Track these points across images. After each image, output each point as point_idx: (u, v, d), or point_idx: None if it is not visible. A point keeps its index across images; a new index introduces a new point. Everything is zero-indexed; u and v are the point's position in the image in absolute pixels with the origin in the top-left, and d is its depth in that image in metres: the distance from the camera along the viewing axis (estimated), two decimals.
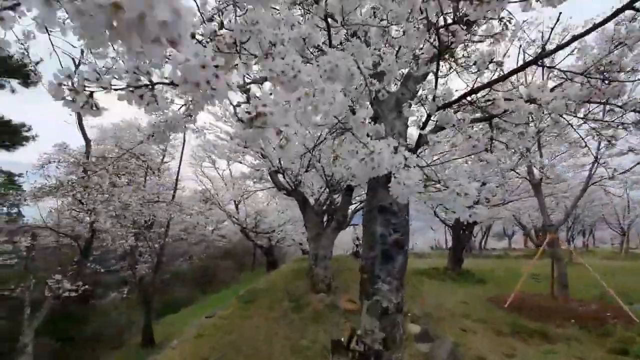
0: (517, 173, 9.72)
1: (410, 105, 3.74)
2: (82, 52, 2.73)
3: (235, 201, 20.74)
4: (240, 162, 9.98)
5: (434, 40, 2.29)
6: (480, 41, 3.17)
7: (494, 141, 5.18)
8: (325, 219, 13.31)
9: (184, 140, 13.91)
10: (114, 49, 1.78)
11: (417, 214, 27.09)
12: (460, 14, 2.25)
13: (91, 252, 9.73)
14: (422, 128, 2.80)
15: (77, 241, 8.90)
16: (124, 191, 9.30)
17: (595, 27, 2.02)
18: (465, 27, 2.29)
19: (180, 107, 1.66)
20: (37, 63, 13.42)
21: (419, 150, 3.25)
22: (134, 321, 14.27)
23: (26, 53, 2.99)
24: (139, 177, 18.29)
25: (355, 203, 10.08)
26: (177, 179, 13.09)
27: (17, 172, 16.09)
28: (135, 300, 14.31)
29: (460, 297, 9.34)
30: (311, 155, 8.22)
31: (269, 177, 10.46)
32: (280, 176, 10.53)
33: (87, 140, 9.77)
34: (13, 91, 14.10)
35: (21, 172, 15.76)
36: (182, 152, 13.26)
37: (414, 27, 2.26)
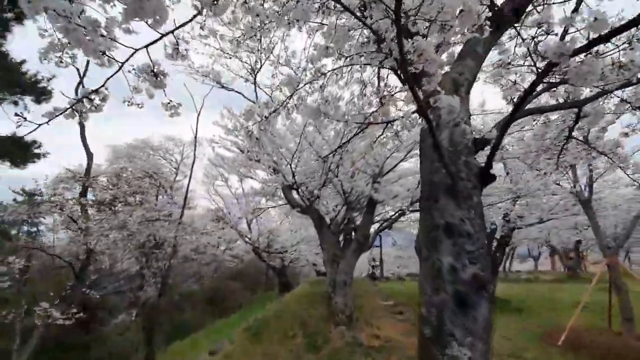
0: (561, 186, 8.48)
1: (469, 91, 2.74)
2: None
3: (247, 220, 19.82)
4: (252, 178, 9.07)
5: None
6: None
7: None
8: (341, 238, 12.20)
9: (194, 157, 13.18)
10: None
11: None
12: None
13: (88, 275, 8.81)
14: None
15: (71, 264, 8.01)
16: (122, 210, 8.44)
17: None
18: None
19: None
20: (49, 79, 12.86)
21: None
22: (138, 348, 13.19)
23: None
24: (150, 196, 17.66)
25: (378, 222, 8.98)
26: (185, 197, 12.23)
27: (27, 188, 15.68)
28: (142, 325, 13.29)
29: (502, 331, 7.95)
30: (328, 169, 7.24)
31: (281, 194, 9.49)
32: (294, 192, 9.56)
33: (89, 154, 9.05)
34: (26, 108, 13.77)
35: (34, 190, 15.31)
36: (191, 168, 12.46)
37: None
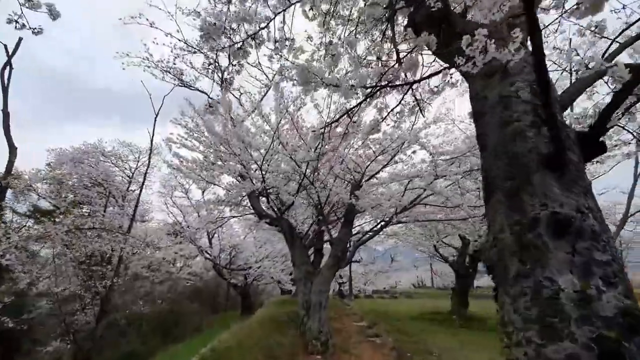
0: None
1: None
2: None
3: (208, 234, 18.29)
4: (215, 184, 7.90)
5: None
6: None
7: None
8: (311, 253, 11.21)
9: (149, 162, 11.74)
10: None
11: (404, 250, 25.27)
12: None
13: None
14: None
15: None
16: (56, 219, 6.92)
17: None
18: None
19: None
20: None
21: None
22: None
23: None
24: (99, 207, 15.67)
25: (356, 234, 8.11)
26: (136, 206, 10.76)
27: None
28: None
29: (486, 355, 7.27)
30: (304, 174, 6.34)
31: (247, 203, 8.40)
32: (262, 201, 8.51)
33: (12, 147, 7.47)
34: None
35: None
36: (145, 175, 11.02)
37: None
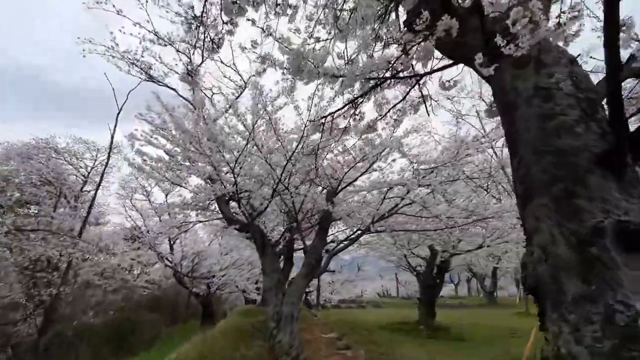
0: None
1: None
2: None
3: (170, 240, 17.29)
4: (181, 185, 7.34)
5: None
6: None
7: None
8: (281, 261, 10.80)
9: (107, 162, 10.87)
10: None
11: (371, 259, 25.36)
12: None
13: None
14: None
15: None
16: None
17: None
18: None
19: None
20: None
21: None
22: None
23: None
24: (48, 207, 14.28)
25: (331, 242, 7.84)
26: (90, 206, 9.85)
27: None
28: None
29: None
30: (279, 179, 6.02)
31: (216, 207, 7.90)
32: (232, 206, 8.06)
33: None
34: None
35: None
36: (102, 176, 10.15)
37: None
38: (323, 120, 2.81)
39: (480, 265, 21.18)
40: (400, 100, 2.12)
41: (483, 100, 8.00)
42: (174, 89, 6.92)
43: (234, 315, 16.75)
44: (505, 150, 7.32)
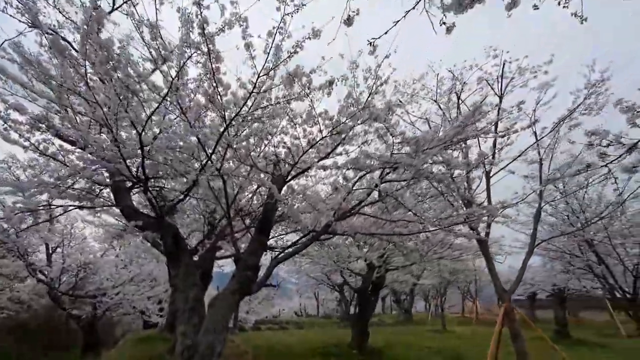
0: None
1: None
2: None
3: (49, 248, 13.34)
4: (47, 155, 4.77)
5: None
6: None
7: None
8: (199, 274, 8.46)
9: None
10: None
11: (288, 276, 23.54)
12: None
13: None
14: None
15: None
16: None
17: None
18: None
19: None
20: None
21: None
22: None
23: None
24: None
25: (273, 249, 5.98)
26: None
27: None
28: None
29: None
30: (209, 156, 4.20)
31: (110, 195, 5.55)
32: (137, 196, 5.83)
33: None
34: None
35: None
36: None
37: None
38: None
39: (402, 283, 21.08)
40: None
41: None
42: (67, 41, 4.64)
43: (127, 344, 13.41)
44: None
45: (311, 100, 3.63)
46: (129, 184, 5.52)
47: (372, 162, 3.83)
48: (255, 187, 5.96)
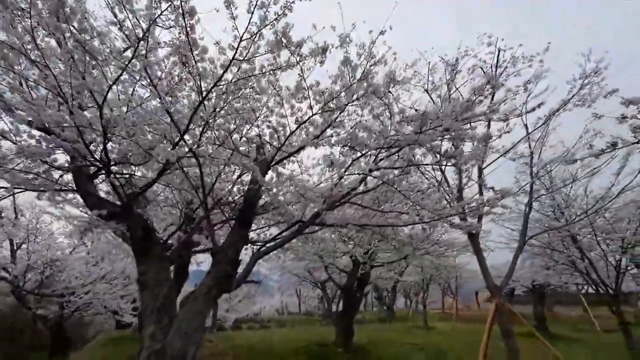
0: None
1: None
2: None
3: (13, 244, 12.31)
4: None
5: None
6: None
7: None
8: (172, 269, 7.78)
9: None
10: None
11: (270, 273, 22.94)
12: None
13: None
14: None
15: None
16: None
17: None
18: None
19: None
20: None
21: None
22: None
23: None
24: None
25: (254, 242, 5.41)
26: None
27: None
28: None
29: None
30: (182, 134, 3.65)
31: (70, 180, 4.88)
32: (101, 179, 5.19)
33: None
34: None
35: None
36: None
37: None
38: None
39: (386, 280, 20.86)
40: None
41: None
42: None
43: (98, 345, 12.55)
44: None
45: (301, 69, 3.14)
46: (94, 170, 4.88)
47: (370, 141, 3.38)
48: (236, 175, 5.43)
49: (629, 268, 8.99)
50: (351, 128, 3.75)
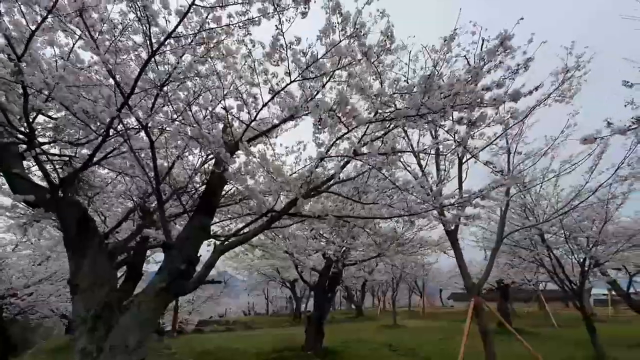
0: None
1: None
2: None
3: None
4: None
5: None
6: None
7: None
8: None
9: None
10: None
11: (236, 272, 21.85)
12: None
13: None
14: None
15: None
16: None
17: None
18: None
19: None
20: None
21: None
22: None
23: None
24: None
25: (218, 237, 4.63)
26: None
27: None
28: None
29: None
30: (126, 97, 2.90)
31: None
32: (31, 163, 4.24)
33: None
34: None
35: None
36: None
37: None
38: None
39: (358, 278, 20.46)
40: None
41: None
42: None
43: (41, 353, 11.14)
44: None
45: (279, 20, 2.51)
46: (23, 147, 3.95)
47: (363, 111, 2.81)
48: (199, 162, 4.66)
49: (591, 266, 9.12)
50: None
